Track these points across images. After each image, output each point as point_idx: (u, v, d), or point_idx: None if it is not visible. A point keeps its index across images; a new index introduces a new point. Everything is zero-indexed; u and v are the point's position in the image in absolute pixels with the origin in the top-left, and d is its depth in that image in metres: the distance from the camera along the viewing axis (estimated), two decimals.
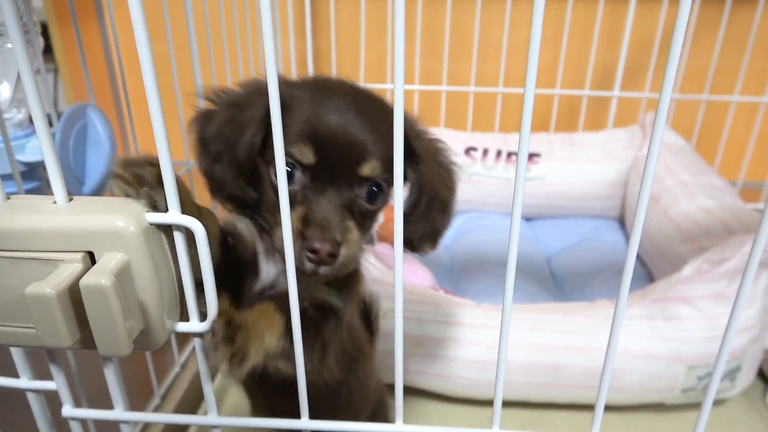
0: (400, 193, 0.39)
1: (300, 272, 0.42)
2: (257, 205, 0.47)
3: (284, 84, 0.47)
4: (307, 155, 0.44)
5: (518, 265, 1.18)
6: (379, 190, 0.46)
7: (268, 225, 0.46)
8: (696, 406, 0.95)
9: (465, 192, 1.41)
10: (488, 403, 0.95)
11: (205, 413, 0.46)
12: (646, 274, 1.18)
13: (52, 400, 0.49)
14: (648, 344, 0.85)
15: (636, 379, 0.86)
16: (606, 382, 0.45)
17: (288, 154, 0.43)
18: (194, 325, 0.43)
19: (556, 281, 1.19)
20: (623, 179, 1.35)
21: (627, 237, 1.31)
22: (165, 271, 0.41)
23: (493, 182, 1.37)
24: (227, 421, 0.47)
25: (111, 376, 0.46)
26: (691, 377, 0.87)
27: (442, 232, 0.52)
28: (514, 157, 1.37)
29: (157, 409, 0.90)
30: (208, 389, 0.45)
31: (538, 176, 1.36)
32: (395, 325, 0.44)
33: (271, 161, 0.44)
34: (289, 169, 0.44)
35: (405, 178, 0.48)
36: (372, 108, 0.47)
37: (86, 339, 0.40)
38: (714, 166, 1.46)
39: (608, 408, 0.95)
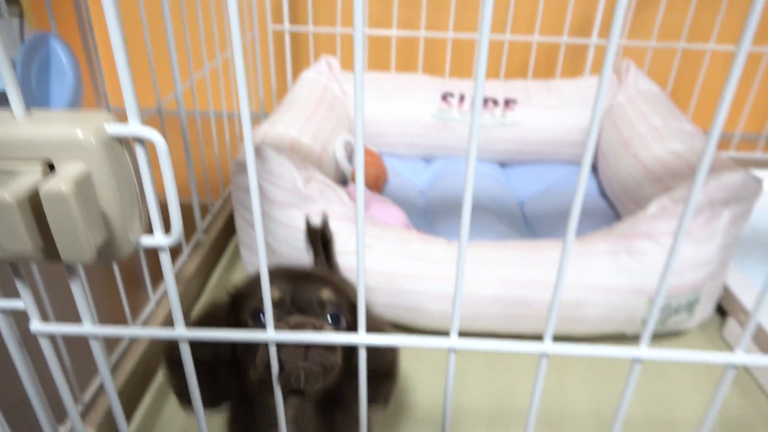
0: (360, 132, 0.40)
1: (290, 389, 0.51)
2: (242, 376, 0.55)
3: (236, 288, 0.58)
4: (274, 293, 0.52)
5: (490, 208, 1.20)
6: (339, 319, 0.54)
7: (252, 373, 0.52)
8: (655, 336, 1.00)
9: (441, 138, 1.42)
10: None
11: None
12: (615, 217, 1.21)
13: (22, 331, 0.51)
14: (611, 278, 0.89)
15: (598, 311, 0.90)
16: (560, 291, 0.47)
17: (258, 302, 0.52)
18: (159, 239, 0.44)
19: (527, 224, 1.22)
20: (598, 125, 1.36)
21: (599, 182, 1.34)
22: (126, 184, 0.41)
23: (468, 128, 1.37)
24: (195, 334, 0.48)
25: (77, 290, 0.47)
26: (650, 311, 0.91)
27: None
28: (491, 104, 1.38)
29: (131, 344, 0.92)
30: (175, 301, 0.47)
31: (514, 122, 1.36)
32: (357, 253, 0.45)
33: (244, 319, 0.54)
34: (260, 314, 0.52)
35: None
36: (330, 276, 0.58)
37: (49, 250, 0.41)
38: (688, 115, 1.48)
39: (571, 339, 0.99)
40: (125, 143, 0.41)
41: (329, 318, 0.54)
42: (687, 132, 1.14)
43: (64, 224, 0.37)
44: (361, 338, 0.48)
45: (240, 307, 0.55)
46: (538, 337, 0.99)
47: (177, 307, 0.46)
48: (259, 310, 0.52)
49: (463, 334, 0.92)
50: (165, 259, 0.45)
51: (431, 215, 1.21)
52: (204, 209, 1.27)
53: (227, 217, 1.32)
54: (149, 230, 0.45)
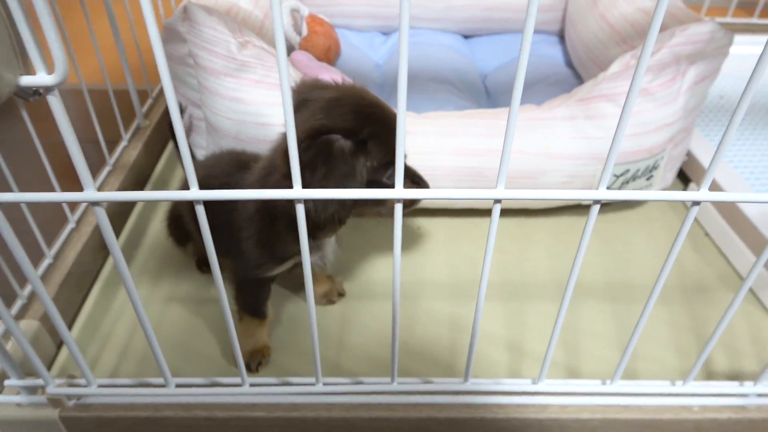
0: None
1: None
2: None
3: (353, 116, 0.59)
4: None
5: (452, 82, 1.13)
6: None
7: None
8: (612, 205, 0.99)
9: (398, 6, 1.31)
10: (413, 211, 0.96)
11: None
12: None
13: None
14: (569, 143, 0.85)
15: (556, 179, 0.87)
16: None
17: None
18: (41, 78, 0.37)
19: (490, 97, 1.16)
20: None
21: (566, 51, 1.27)
22: None
23: None
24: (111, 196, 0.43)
25: None
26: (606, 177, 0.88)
27: None
28: None
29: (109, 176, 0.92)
30: (78, 160, 0.41)
31: None
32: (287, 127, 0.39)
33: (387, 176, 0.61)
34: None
35: None
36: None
37: None
38: None
39: (530, 212, 0.97)
40: None
41: None
42: None
43: None
44: (296, 192, 0.44)
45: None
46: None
47: (82, 164, 0.40)
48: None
49: (420, 209, 0.89)
50: (54, 102, 0.38)
51: (388, 90, 1.14)
52: (144, 95, 1.17)
53: None
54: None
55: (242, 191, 0.43)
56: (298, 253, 0.65)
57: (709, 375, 0.73)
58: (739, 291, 0.52)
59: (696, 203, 0.43)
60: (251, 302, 0.71)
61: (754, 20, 1.48)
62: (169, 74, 0.90)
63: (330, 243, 0.70)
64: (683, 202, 1.01)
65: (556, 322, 0.55)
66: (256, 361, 0.71)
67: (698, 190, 0.43)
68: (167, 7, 1.26)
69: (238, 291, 0.72)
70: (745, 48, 1.24)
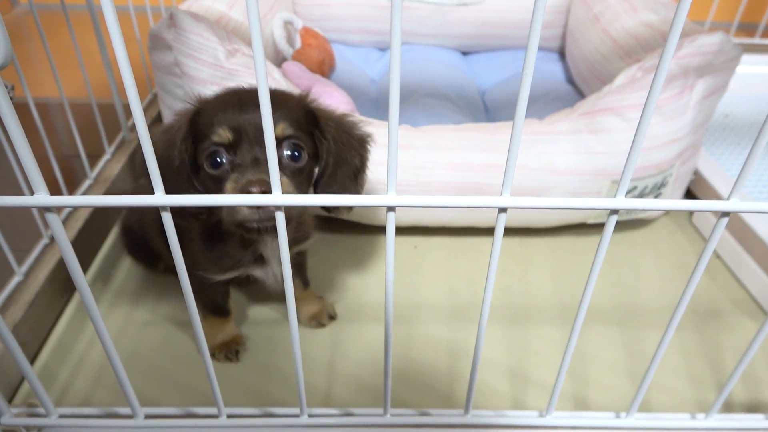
0: None
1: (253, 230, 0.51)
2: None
3: (198, 101, 0.55)
4: (226, 135, 0.51)
5: (450, 97, 1.10)
6: (300, 150, 0.53)
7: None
8: (617, 225, 0.94)
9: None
10: (409, 229, 0.91)
11: None
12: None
13: None
14: (572, 159, 0.80)
15: (559, 195, 0.82)
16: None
17: (212, 144, 0.51)
18: None
19: (489, 114, 1.12)
20: (566, 4, 1.24)
21: (566, 68, 1.24)
22: None
23: (425, 9, 1.24)
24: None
25: None
26: (614, 192, 0.84)
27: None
28: None
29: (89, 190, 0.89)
30: (28, 160, 0.36)
31: (475, 1, 1.23)
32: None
33: (200, 157, 0.53)
34: (218, 158, 0.51)
35: (316, 150, 0.56)
36: (274, 96, 0.51)
37: None
38: None
39: (532, 231, 0.93)
40: None
41: (289, 155, 0.52)
42: (661, 3, 1.04)
43: None
44: (276, 198, 0.39)
45: (197, 131, 0.53)
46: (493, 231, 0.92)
47: (32, 165, 0.36)
48: (215, 154, 0.51)
49: (417, 227, 0.82)
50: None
51: (383, 105, 1.10)
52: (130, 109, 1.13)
53: (158, 114, 1.18)
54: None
55: (208, 197, 0.38)
56: (238, 263, 0.63)
57: (728, 406, 0.68)
58: (763, 324, 0.47)
59: (725, 214, 0.39)
60: (210, 302, 0.70)
61: (757, 40, 1.46)
62: (156, 83, 0.86)
63: (275, 257, 0.64)
64: (692, 223, 0.97)
65: (566, 350, 0.50)
66: (232, 352, 0.71)
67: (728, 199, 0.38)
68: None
69: (195, 291, 0.68)
70: (749, 68, 1.22)
